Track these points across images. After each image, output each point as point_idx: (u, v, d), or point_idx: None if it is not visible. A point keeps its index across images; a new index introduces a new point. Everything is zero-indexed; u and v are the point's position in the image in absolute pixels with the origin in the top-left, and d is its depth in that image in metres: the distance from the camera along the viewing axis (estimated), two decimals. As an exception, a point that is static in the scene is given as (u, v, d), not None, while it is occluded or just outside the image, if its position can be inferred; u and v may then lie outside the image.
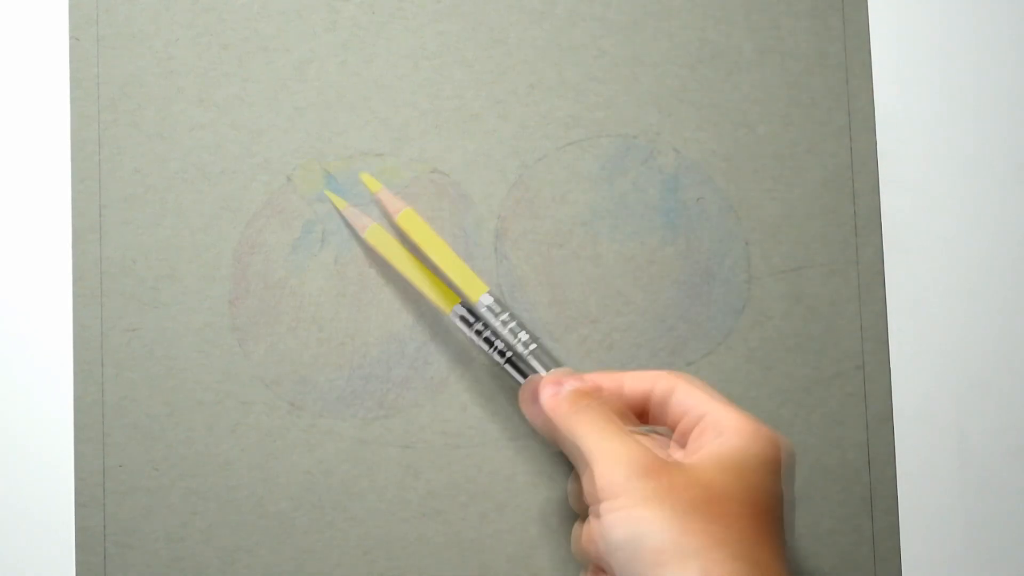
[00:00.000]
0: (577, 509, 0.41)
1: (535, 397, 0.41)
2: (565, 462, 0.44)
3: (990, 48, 0.46)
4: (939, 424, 0.45)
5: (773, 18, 0.46)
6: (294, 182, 0.45)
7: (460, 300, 0.43)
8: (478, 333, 0.42)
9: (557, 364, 0.42)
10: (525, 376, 0.42)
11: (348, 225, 0.44)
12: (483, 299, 0.43)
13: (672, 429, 0.40)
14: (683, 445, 0.39)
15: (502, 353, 0.42)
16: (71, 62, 0.45)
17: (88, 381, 0.44)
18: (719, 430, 0.38)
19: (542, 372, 0.42)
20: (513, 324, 0.43)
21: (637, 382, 0.40)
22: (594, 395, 0.40)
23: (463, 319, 0.43)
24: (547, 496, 0.44)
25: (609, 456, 0.37)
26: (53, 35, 0.45)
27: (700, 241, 0.45)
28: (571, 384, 0.40)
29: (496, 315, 0.43)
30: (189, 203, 0.45)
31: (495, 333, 0.42)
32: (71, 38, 0.45)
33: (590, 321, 0.45)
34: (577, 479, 0.40)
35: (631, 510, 0.36)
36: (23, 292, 0.45)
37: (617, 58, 0.45)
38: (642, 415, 0.40)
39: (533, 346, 0.42)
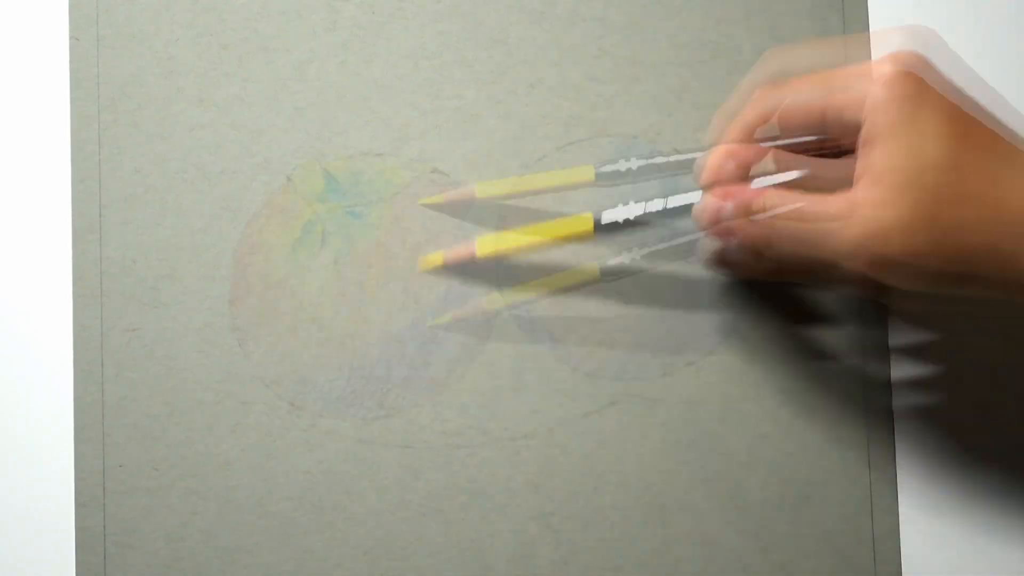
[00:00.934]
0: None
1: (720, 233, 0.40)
2: (563, 461, 0.44)
3: (990, 49, 0.46)
4: (939, 424, 0.45)
5: (773, 18, 0.46)
6: (294, 182, 0.45)
7: (591, 229, 0.42)
8: (629, 229, 0.41)
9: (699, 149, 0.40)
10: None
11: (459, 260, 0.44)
12: (598, 171, 0.42)
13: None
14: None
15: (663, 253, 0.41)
16: (71, 62, 0.45)
17: (88, 381, 0.44)
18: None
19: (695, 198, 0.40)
20: (642, 162, 0.41)
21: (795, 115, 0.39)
22: (762, 195, 0.38)
23: (607, 229, 0.42)
24: (547, 496, 0.44)
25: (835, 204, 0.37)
26: (53, 35, 0.45)
27: (700, 241, 0.45)
28: (728, 208, 0.39)
29: (621, 177, 0.41)
30: (189, 203, 0.45)
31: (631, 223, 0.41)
32: (71, 38, 0.45)
33: (590, 321, 0.45)
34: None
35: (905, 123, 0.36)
36: (23, 292, 0.45)
37: (617, 58, 0.45)
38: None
39: (671, 157, 0.41)
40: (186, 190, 0.45)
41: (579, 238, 0.42)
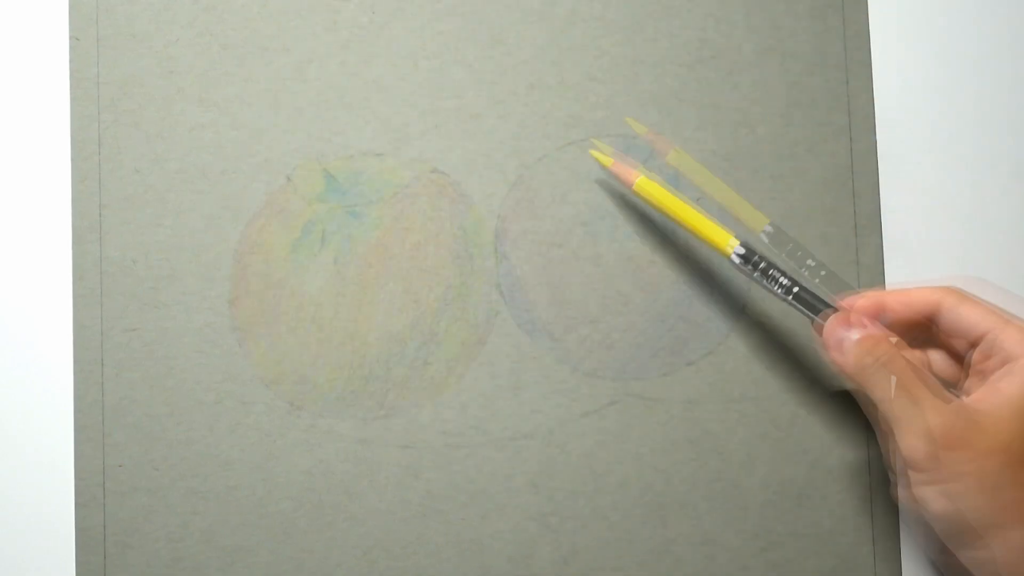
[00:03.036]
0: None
1: (828, 343, 0.40)
2: (563, 461, 0.44)
3: (990, 48, 0.46)
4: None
5: (773, 18, 0.46)
6: (294, 182, 0.45)
7: (738, 240, 0.41)
8: (762, 271, 0.41)
9: (848, 288, 0.41)
10: (815, 310, 0.40)
11: (616, 179, 0.43)
12: (766, 229, 0.41)
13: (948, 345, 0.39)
14: (964, 366, 0.39)
15: (788, 290, 0.41)
16: (71, 62, 0.45)
17: (88, 381, 0.44)
18: (1004, 358, 0.37)
19: (830, 305, 0.40)
20: (800, 253, 0.41)
21: (920, 299, 0.40)
22: (883, 344, 0.38)
23: (742, 257, 0.41)
24: (546, 496, 0.44)
25: (910, 426, 0.37)
26: (53, 35, 0.45)
27: (700, 241, 0.45)
28: (856, 332, 0.39)
29: (781, 246, 0.41)
30: (189, 203, 0.45)
31: (777, 269, 0.41)
32: (71, 38, 0.45)
33: (590, 321, 0.45)
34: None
35: (942, 485, 0.36)
36: (23, 292, 0.45)
37: (617, 58, 0.45)
38: (927, 331, 0.40)
39: (823, 272, 0.41)
40: (186, 190, 0.45)
41: (714, 247, 0.42)
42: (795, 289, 0.41)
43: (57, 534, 0.44)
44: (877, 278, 0.45)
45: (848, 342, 0.39)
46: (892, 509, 0.44)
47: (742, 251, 0.41)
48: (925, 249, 0.45)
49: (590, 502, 0.44)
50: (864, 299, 0.40)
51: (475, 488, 0.44)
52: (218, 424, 0.44)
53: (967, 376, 0.39)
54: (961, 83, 0.46)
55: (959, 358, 0.40)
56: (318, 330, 0.44)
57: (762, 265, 0.41)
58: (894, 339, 0.39)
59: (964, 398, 0.38)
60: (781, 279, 0.41)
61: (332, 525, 0.44)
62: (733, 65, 0.46)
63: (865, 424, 0.44)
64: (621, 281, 0.45)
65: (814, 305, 0.41)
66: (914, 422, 0.37)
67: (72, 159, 0.45)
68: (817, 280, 0.41)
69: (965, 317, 0.39)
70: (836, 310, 0.40)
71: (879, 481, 0.44)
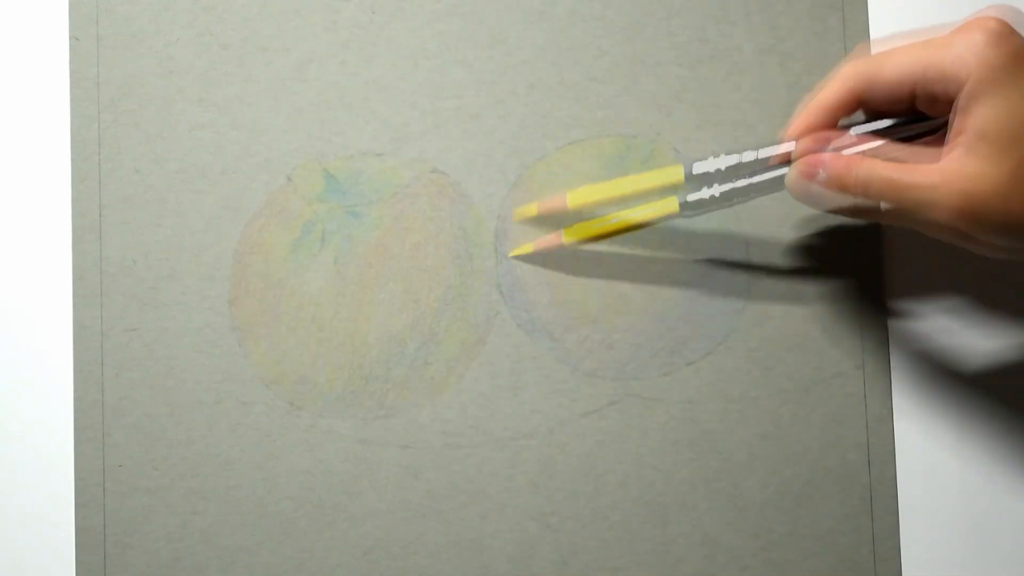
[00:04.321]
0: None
1: (804, 200, 0.40)
2: (563, 461, 0.44)
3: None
4: (939, 424, 0.45)
5: (773, 18, 0.46)
6: (294, 182, 0.45)
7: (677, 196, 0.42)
8: (715, 191, 0.41)
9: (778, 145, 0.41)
10: (779, 182, 0.41)
11: (550, 211, 0.44)
12: (687, 173, 0.42)
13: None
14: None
15: (752, 187, 0.41)
16: (71, 62, 0.45)
17: (88, 381, 0.44)
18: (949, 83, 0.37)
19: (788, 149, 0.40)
20: (731, 161, 0.41)
21: (833, 100, 0.40)
22: (848, 171, 0.38)
23: (698, 178, 0.42)
24: (546, 496, 0.44)
25: (931, 207, 0.37)
26: (53, 35, 0.45)
27: (700, 241, 0.45)
28: (821, 177, 0.39)
29: (709, 178, 0.42)
30: (189, 203, 0.45)
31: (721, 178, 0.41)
32: (71, 38, 0.45)
33: (590, 321, 0.45)
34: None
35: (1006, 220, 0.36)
36: (23, 292, 0.45)
37: (617, 58, 0.45)
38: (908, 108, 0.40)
39: (758, 152, 0.41)
40: (186, 190, 0.45)
41: (670, 189, 0.42)
42: (753, 179, 0.41)
43: (57, 534, 0.44)
44: (877, 278, 0.45)
45: (816, 190, 0.39)
46: (892, 509, 0.44)
47: (692, 171, 0.42)
48: (925, 250, 0.45)
49: (590, 502, 0.44)
50: (795, 130, 0.40)
51: (475, 488, 0.44)
52: (218, 424, 0.44)
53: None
54: None
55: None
56: (318, 330, 0.44)
57: (713, 191, 0.41)
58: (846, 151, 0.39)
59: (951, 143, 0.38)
60: (739, 182, 0.41)
61: (332, 525, 0.44)
62: (733, 65, 0.46)
63: (865, 423, 0.44)
64: (621, 281, 0.45)
65: (774, 180, 0.41)
66: (927, 202, 0.37)
67: (72, 159, 0.45)
68: (756, 156, 0.41)
69: (888, 85, 0.39)
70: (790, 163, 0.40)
71: (879, 481, 0.44)
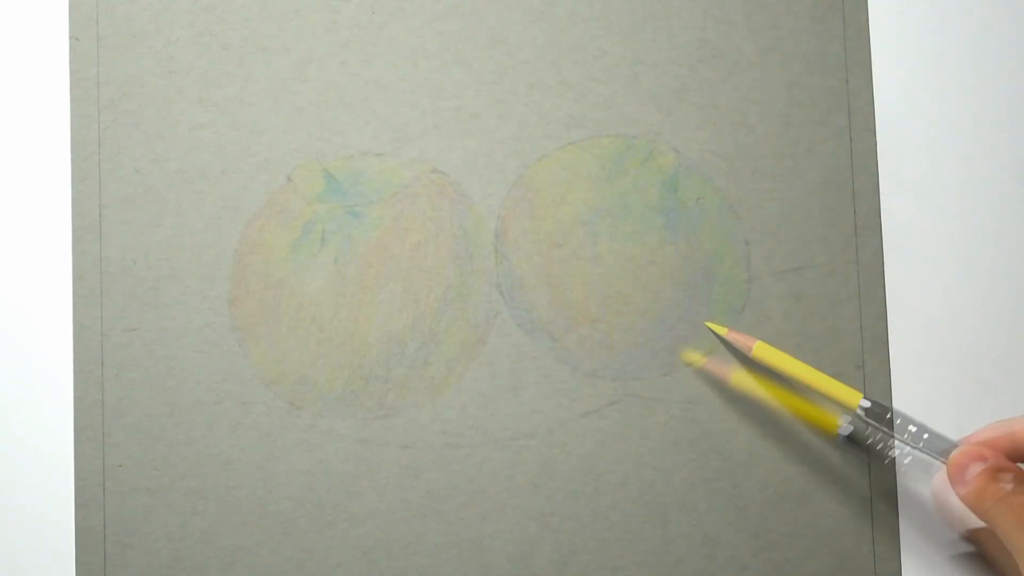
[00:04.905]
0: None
1: (953, 478, 0.40)
2: (563, 461, 0.44)
3: (990, 48, 0.46)
4: (939, 424, 0.45)
5: (773, 18, 0.46)
6: (294, 182, 0.45)
7: (858, 405, 0.42)
8: (887, 424, 0.42)
9: (951, 442, 0.41)
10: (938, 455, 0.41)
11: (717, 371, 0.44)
12: (862, 404, 0.42)
13: None
14: None
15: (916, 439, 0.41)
16: (71, 62, 0.45)
17: (88, 381, 0.44)
18: None
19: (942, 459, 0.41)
20: (899, 421, 0.42)
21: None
22: (1002, 475, 0.38)
23: (870, 416, 0.42)
24: (546, 496, 0.44)
25: None
26: (53, 35, 0.45)
27: (700, 241, 0.45)
28: (978, 465, 0.39)
29: (880, 419, 0.42)
30: (189, 203, 0.45)
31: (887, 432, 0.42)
32: (71, 38, 0.45)
33: (590, 321, 0.45)
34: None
35: None
36: (23, 292, 0.45)
37: (617, 58, 0.45)
38: None
39: (926, 435, 0.41)
40: (186, 190, 0.45)
41: (821, 431, 0.43)
42: (922, 440, 0.41)
43: (57, 534, 0.44)
44: (877, 278, 0.45)
45: (970, 474, 0.39)
46: (892, 509, 0.44)
47: (867, 405, 0.42)
48: (925, 249, 0.45)
49: (590, 502, 0.44)
50: (990, 429, 0.40)
51: (475, 488, 0.44)
52: (218, 424, 0.44)
53: None
54: (961, 83, 0.46)
55: None
56: (318, 330, 0.44)
57: (888, 417, 0.41)
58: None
59: None
60: (891, 443, 0.42)
61: (332, 525, 0.44)
62: (733, 65, 0.46)
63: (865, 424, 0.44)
64: (621, 281, 0.45)
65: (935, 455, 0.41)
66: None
67: (72, 159, 0.45)
68: (921, 444, 0.41)
69: None
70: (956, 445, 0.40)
71: (879, 481, 0.44)
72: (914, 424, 0.41)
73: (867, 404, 0.42)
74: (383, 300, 0.45)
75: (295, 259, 0.45)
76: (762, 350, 0.43)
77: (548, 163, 0.45)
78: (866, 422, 0.42)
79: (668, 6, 0.46)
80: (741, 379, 0.44)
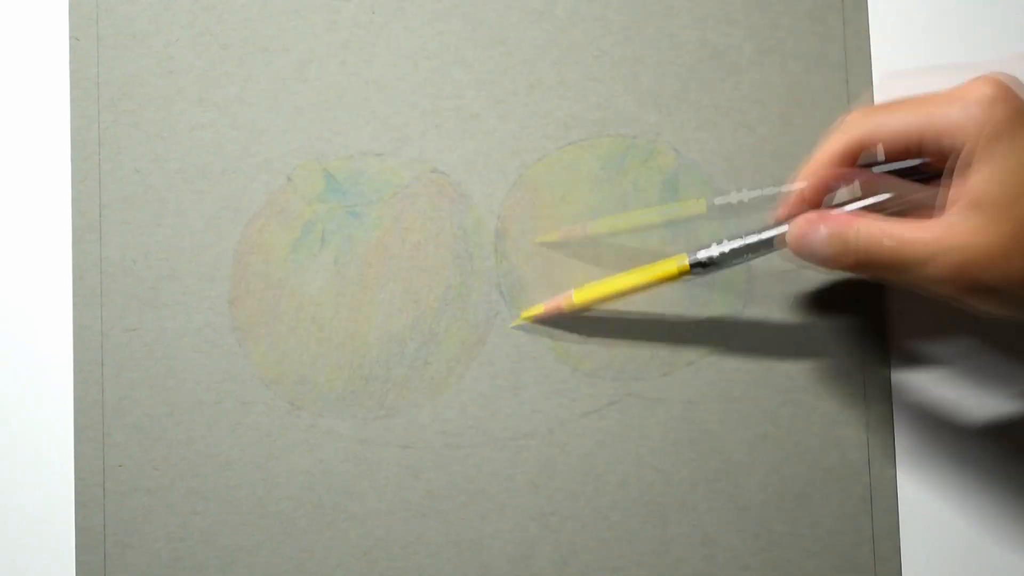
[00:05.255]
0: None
1: (803, 256, 0.40)
2: (563, 461, 0.44)
3: (990, 48, 0.46)
4: (939, 423, 0.45)
5: (773, 18, 0.46)
6: (294, 182, 0.45)
7: (685, 265, 0.42)
8: (720, 261, 0.42)
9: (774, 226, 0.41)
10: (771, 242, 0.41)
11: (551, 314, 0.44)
12: (710, 204, 0.42)
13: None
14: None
15: (751, 248, 0.41)
16: (71, 62, 0.45)
17: (88, 381, 0.44)
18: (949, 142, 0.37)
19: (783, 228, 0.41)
20: (726, 249, 0.42)
21: (833, 154, 0.40)
22: (845, 233, 0.38)
23: (700, 263, 0.42)
24: (546, 496, 0.44)
25: (924, 268, 0.37)
26: (53, 35, 0.45)
27: (700, 241, 0.45)
28: (817, 237, 0.39)
29: (730, 210, 0.42)
30: (189, 203, 0.45)
31: (725, 252, 0.42)
32: (71, 38, 0.45)
33: (590, 321, 0.45)
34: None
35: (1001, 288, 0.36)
36: (23, 292, 0.45)
37: (617, 58, 0.45)
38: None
39: (750, 237, 0.41)
40: (186, 190, 0.45)
41: (675, 278, 0.42)
42: (748, 240, 0.41)
43: (57, 534, 0.44)
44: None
45: (820, 243, 0.39)
46: (892, 509, 0.44)
47: (696, 258, 0.42)
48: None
49: (590, 502, 0.44)
50: (804, 176, 0.40)
51: (475, 488, 0.44)
52: (218, 424, 0.44)
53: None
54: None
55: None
56: (318, 330, 0.44)
57: (716, 257, 0.41)
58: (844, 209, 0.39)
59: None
60: (733, 256, 0.41)
61: (332, 525, 0.44)
62: (733, 65, 0.46)
63: (865, 424, 0.44)
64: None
65: (771, 239, 0.41)
66: (926, 263, 0.37)
67: (72, 159, 0.45)
68: (754, 240, 0.41)
69: (893, 137, 0.39)
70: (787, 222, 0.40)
71: (879, 481, 0.44)
72: (739, 238, 0.41)
73: (694, 260, 0.42)
74: (383, 300, 0.45)
75: (295, 259, 0.45)
76: (581, 292, 0.43)
77: (548, 163, 0.45)
78: (707, 271, 0.42)
79: (668, 6, 0.46)
80: (584, 292, 0.44)
